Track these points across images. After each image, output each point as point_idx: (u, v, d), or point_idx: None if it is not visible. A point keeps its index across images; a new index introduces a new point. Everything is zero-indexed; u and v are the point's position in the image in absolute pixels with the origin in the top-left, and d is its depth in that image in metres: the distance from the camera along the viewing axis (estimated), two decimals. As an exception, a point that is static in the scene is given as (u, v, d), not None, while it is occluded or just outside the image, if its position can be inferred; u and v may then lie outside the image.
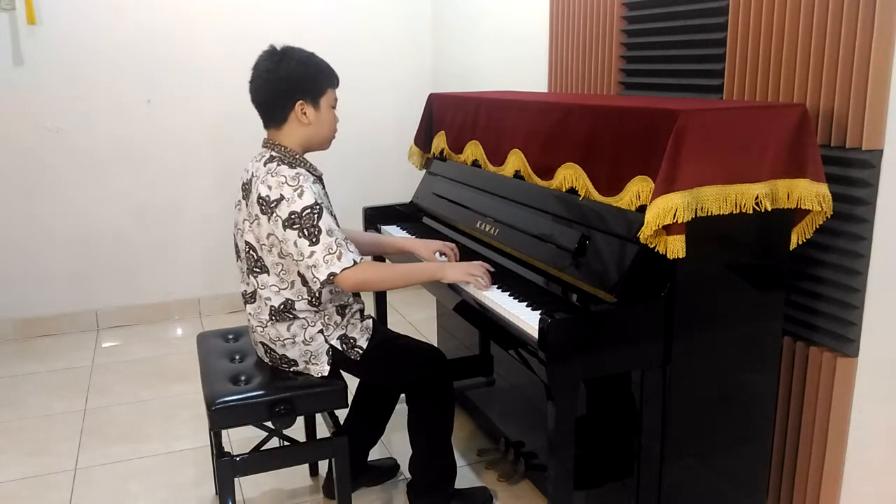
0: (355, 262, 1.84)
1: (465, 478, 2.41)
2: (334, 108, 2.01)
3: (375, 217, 2.77)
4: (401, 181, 3.96)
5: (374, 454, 2.43)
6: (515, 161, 2.18)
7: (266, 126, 1.99)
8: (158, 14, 3.66)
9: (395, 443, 2.63)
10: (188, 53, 3.74)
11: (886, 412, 1.79)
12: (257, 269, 1.96)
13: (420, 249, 2.22)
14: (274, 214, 1.85)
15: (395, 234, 2.60)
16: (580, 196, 1.88)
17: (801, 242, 1.79)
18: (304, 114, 1.94)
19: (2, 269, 3.66)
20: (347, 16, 4.00)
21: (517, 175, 2.19)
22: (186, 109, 3.80)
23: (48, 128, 3.60)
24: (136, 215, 3.83)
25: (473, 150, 2.46)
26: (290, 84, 1.91)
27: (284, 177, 1.85)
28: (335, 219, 1.90)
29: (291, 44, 1.96)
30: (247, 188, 1.96)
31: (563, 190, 1.95)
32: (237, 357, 2.16)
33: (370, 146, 4.14)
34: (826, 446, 1.90)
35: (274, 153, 1.95)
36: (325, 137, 2.02)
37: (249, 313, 2.03)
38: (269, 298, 1.95)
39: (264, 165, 1.91)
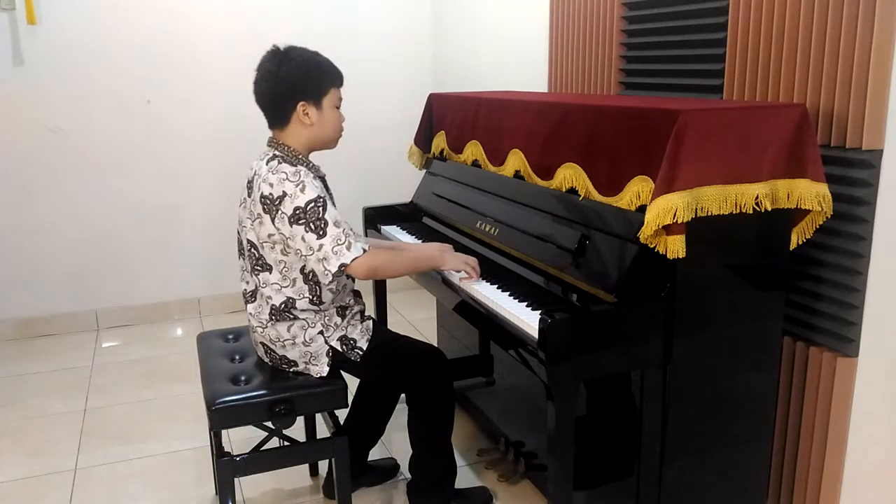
0: (364, 251, 1.85)
1: (465, 478, 2.41)
2: (338, 107, 2.00)
3: (375, 217, 2.76)
4: (401, 181, 3.95)
5: (374, 454, 2.43)
6: (515, 161, 2.18)
7: (270, 126, 1.99)
8: (158, 14, 3.66)
9: (395, 443, 2.63)
10: (188, 53, 3.74)
11: (886, 412, 1.79)
12: (259, 268, 1.96)
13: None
14: (279, 212, 1.85)
15: (395, 233, 2.60)
16: (580, 196, 1.88)
17: (801, 242, 1.79)
18: (307, 115, 1.93)
19: (2, 269, 3.66)
20: (347, 15, 4.00)
21: (517, 175, 2.19)
22: (187, 109, 3.80)
23: (48, 128, 3.60)
24: (136, 215, 3.83)
25: (473, 150, 2.46)
26: (290, 85, 1.91)
27: (285, 173, 1.85)
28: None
29: (292, 44, 1.96)
30: (250, 186, 1.96)
31: (563, 190, 1.95)
32: (237, 357, 2.16)
33: (370, 146, 4.14)
34: (826, 446, 1.90)
35: (277, 152, 1.95)
36: (330, 137, 2.01)
37: (250, 313, 2.03)
38: (270, 297, 1.95)
39: (266, 164, 1.92)
